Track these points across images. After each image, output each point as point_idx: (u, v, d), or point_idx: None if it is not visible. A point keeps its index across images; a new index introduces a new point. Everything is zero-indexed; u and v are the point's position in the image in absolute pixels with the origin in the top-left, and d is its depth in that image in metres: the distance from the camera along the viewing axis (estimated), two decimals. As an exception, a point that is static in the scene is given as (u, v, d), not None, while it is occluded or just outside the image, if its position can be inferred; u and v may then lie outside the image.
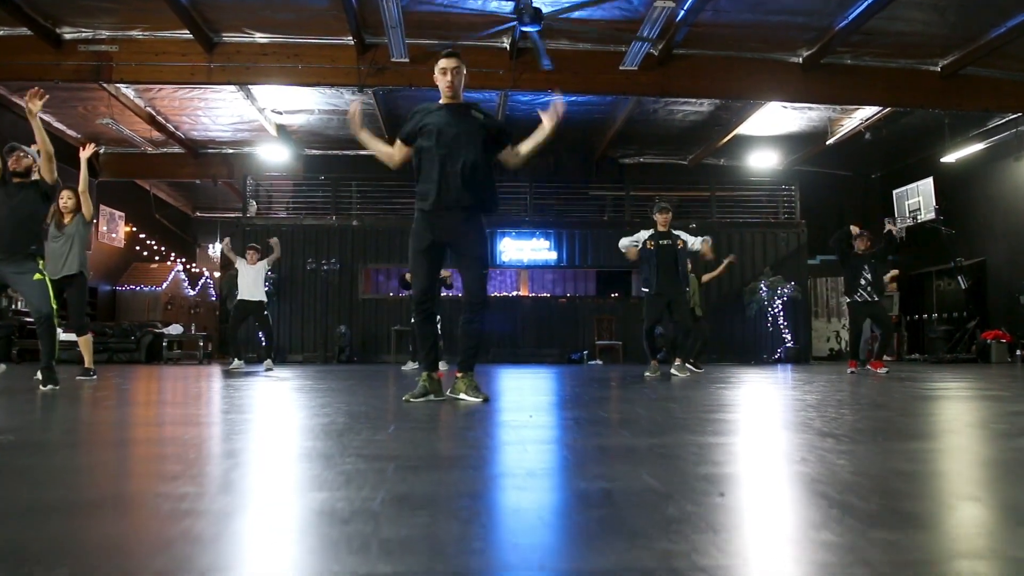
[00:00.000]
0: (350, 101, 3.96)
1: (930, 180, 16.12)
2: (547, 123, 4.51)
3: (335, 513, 1.42)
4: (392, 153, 4.68)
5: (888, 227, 9.81)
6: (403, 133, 4.60)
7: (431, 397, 4.40)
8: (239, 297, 10.78)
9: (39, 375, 5.75)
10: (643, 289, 8.38)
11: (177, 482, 1.79)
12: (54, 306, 5.84)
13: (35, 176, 5.96)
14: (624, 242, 8.37)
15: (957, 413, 4.05)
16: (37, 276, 5.78)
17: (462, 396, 4.40)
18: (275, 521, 1.41)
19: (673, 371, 8.23)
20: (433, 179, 4.39)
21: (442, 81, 4.52)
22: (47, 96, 5.81)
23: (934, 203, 15.82)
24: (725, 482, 1.81)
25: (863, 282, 9.34)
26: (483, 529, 1.35)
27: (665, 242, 8.13)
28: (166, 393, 5.67)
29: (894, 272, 12.40)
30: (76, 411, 4.04)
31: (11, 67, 12.28)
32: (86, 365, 7.32)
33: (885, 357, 10.41)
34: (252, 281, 10.72)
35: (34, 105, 5.56)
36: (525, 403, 4.57)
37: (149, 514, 1.48)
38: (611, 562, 1.13)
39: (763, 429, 3.19)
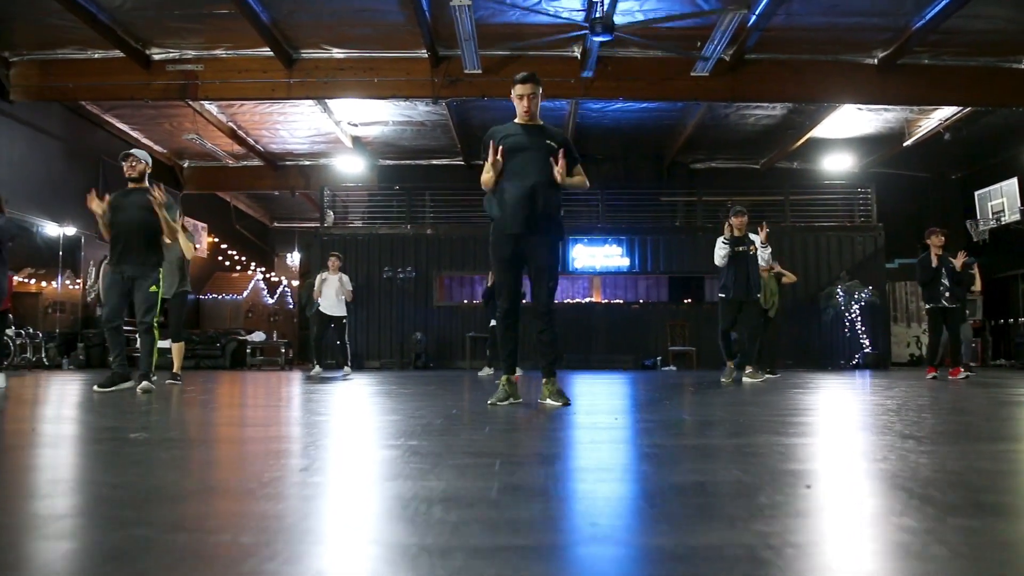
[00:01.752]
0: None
1: (1014, 181, 15.67)
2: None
3: (460, 499, 1.59)
4: (491, 177, 4.69)
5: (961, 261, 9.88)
6: (487, 140, 4.72)
7: (511, 400, 4.58)
8: (320, 308, 11.09)
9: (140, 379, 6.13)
10: (719, 294, 8.40)
11: (309, 471, 1.98)
12: (158, 319, 6.23)
13: (146, 183, 6.36)
14: (720, 255, 8.23)
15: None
16: (153, 288, 6.21)
17: (548, 401, 4.57)
18: (418, 506, 1.58)
19: (745, 378, 8.21)
20: (507, 202, 4.59)
21: (519, 106, 4.70)
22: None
23: (1019, 204, 15.38)
24: (810, 477, 1.93)
25: (942, 288, 9.30)
26: (599, 514, 1.50)
27: (740, 248, 8.14)
28: (271, 396, 5.95)
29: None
30: (201, 412, 4.32)
31: (105, 88, 12.94)
32: (174, 370, 7.73)
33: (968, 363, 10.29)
34: (335, 293, 11.01)
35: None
36: (605, 407, 4.70)
37: (294, 496, 1.67)
38: (716, 540, 1.28)
39: (844, 431, 3.26)
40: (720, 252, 8.16)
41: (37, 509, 1.60)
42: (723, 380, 8.11)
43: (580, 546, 1.27)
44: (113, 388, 5.99)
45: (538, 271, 4.69)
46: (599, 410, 4.37)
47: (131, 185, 6.37)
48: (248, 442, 2.93)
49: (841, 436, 3.04)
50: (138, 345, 6.38)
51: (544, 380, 4.71)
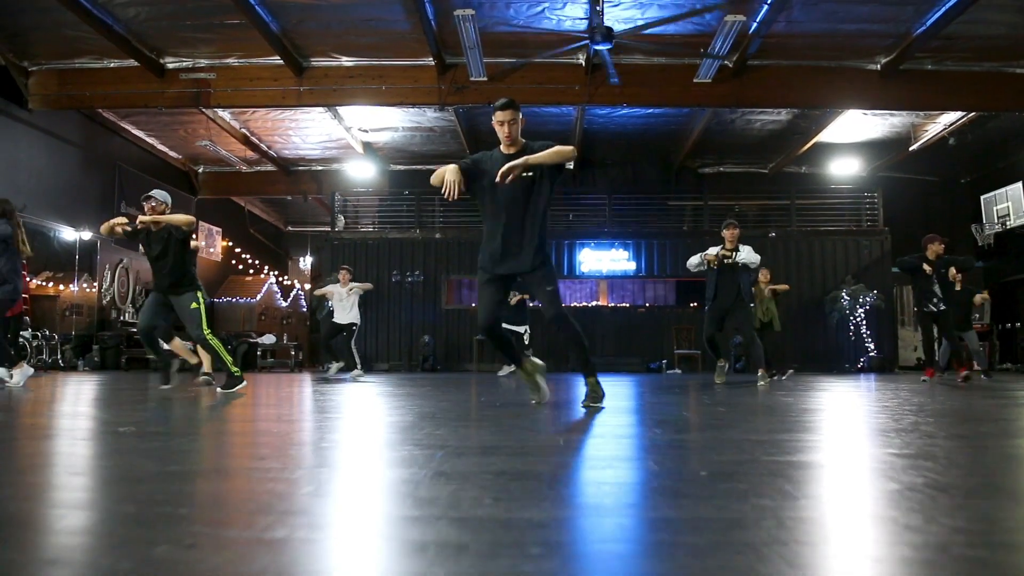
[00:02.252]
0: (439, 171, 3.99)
1: (1019, 185, 15.71)
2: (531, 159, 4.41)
3: (418, 481, 1.78)
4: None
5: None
6: (464, 163, 4.61)
7: (535, 382, 4.75)
8: (333, 319, 11.43)
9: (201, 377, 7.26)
10: (707, 303, 8.62)
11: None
12: (206, 330, 6.52)
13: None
14: (693, 261, 8.53)
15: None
16: (193, 305, 6.57)
17: (591, 405, 4.51)
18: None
19: (759, 383, 8.26)
20: (494, 238, 4.56)
21: (500, 132, 4.57)
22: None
23: (1024, 208, 15.43)
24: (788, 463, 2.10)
25: (935, 296, 9.48)
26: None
27: (729, 260, 8.32)
28: (274, 396, 6.17)
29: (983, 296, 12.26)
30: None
31: (120, 96, 13.26)
32: (205, 369, 7.95)
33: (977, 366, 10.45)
34: (349, 305, 11.34)
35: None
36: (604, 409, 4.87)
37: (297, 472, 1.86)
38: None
39: (817, 423, 3.42)
40: (694, 260, 8.40)
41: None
42: (717, 380, 8.32)
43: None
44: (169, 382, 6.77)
45: (539, 287, 4.61)
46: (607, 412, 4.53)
47: (152, 226, 6.69)
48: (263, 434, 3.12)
49: (812, 427, 3.20)
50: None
51: (587, 381, 4.68)
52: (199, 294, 6.62)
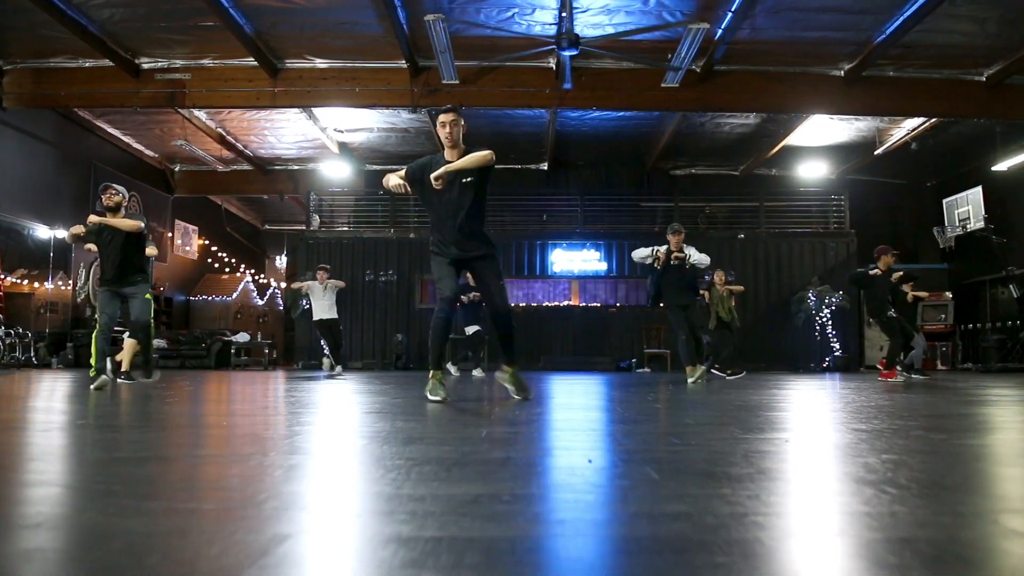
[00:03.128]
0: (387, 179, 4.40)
1: (979, 189, 16.10)
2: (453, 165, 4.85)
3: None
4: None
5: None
6: (411, 170, 5.07)
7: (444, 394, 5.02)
8: (316, 317, 11.93)
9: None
10: (663, 304, 8.97)
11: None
12: (151, 319, 6.91)
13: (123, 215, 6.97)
14: (641, 253, 8.97)
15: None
16: (148, 295, 6.97)
17: (507, 386, 5.09)
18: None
19: (693, 377, 8.67)
20: (441, 231, 5.01)
21: (442, 133, 4.98)
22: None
23: (983, 212, 15.79)
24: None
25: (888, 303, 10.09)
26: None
27: (675, 262, 8.76)
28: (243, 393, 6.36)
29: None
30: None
31: (96, 95, 13.34)
32: (124, 368, 8.05)
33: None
34: (328, 303, 11.85)
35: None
36: (566, 402, 5.10)
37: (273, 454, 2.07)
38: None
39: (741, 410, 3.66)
40: (642, 252, 8.90)
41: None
42: (699, 382, 8.64)
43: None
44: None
45: (487, 278, 5.07)
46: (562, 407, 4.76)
47: (108, 216, 6.94)
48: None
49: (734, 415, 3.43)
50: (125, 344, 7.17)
51: (506, 367, 5.17)
52: (151, 291, 6.99)
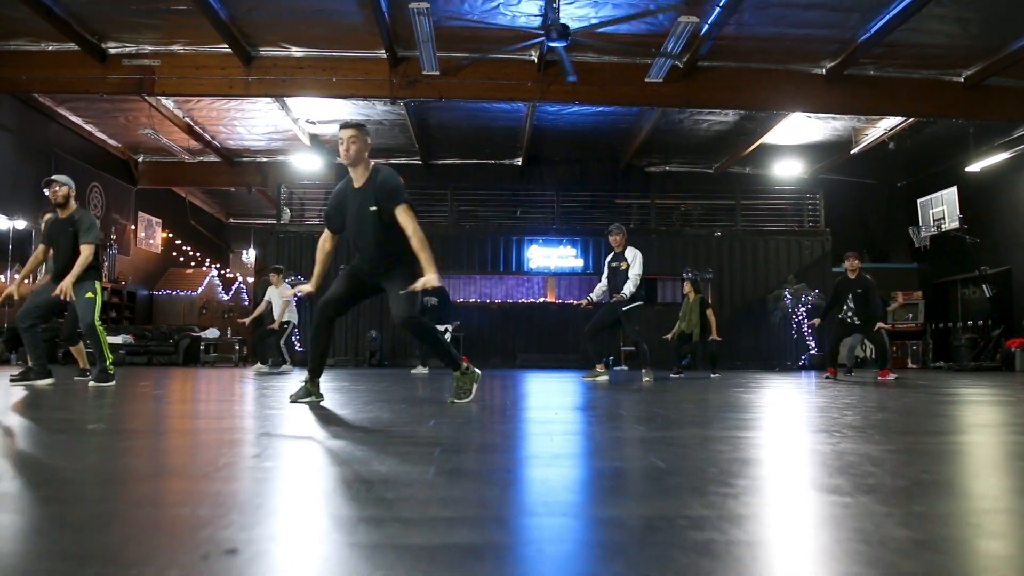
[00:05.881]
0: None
1: (954, 189, 16.22)
2: (418, 284, 4.49)
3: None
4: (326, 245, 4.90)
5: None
6: (329, 214, 4.83)
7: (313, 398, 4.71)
8: (286, 318, 11.81)
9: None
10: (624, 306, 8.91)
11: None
12: (97, 321, 6.43)
13: (72, 207, 6.55)
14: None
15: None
16: (89, 294, 6.43)
17: (459, 400, 4.74)
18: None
19: (645, 378, 8.78)
20: (357, 252, 4.78)
21: (340, 149, 4.58)
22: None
23: (958, 212, 15.92)
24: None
25: (847, 308, 10.31)
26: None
27: (614, 264, 8.93)
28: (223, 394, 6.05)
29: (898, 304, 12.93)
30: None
31: (59, 80, 12.76)
32: (81, 366, 7.86)
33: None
34: (290, 305, 11.76)
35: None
36: (545, 403, 4.88)
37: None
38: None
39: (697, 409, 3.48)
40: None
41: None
42: (646, 380, 8.60)
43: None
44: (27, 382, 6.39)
45: (392, 299, 4.67)
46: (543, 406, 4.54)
47: (59, 211, 6.57)
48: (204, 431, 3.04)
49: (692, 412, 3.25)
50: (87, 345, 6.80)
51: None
52: (96, 284, 6.51)
